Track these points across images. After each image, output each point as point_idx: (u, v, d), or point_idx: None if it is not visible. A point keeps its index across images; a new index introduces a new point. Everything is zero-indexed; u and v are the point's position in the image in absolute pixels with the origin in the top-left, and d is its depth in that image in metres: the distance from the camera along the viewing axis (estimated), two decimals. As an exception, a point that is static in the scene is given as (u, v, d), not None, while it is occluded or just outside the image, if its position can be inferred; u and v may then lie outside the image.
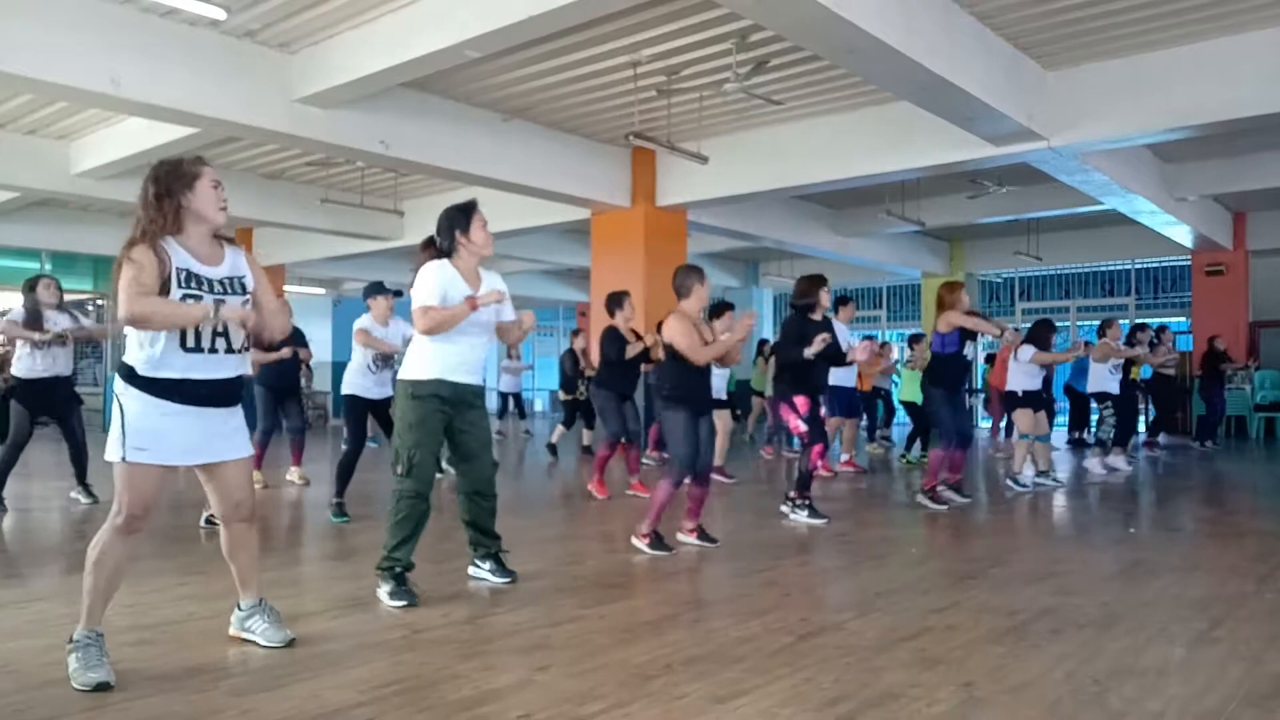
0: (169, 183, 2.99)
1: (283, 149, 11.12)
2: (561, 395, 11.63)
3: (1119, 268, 17.64)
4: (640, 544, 5.07)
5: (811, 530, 5.86)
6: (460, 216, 4.09)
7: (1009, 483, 7.95)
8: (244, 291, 3.09)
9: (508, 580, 4.27)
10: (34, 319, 6.37)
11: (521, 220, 12.91)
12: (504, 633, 3.54)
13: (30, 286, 6.52)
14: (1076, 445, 12.48)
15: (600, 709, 2.66)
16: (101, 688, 2.79)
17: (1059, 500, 7.55)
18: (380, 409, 6.35)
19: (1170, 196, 12.40)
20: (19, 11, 6.84)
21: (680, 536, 5.29)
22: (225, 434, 3.09)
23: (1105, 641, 3.35)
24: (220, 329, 3.00)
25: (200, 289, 2.96)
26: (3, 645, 3.26)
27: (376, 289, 6.57)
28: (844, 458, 9.56)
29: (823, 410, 6.34)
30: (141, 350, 2.94)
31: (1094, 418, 10.98)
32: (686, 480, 5.05)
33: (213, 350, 3.00)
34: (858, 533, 5.91)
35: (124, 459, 2.90)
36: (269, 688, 2.83)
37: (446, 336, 3.96)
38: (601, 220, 12.14)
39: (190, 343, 2.95)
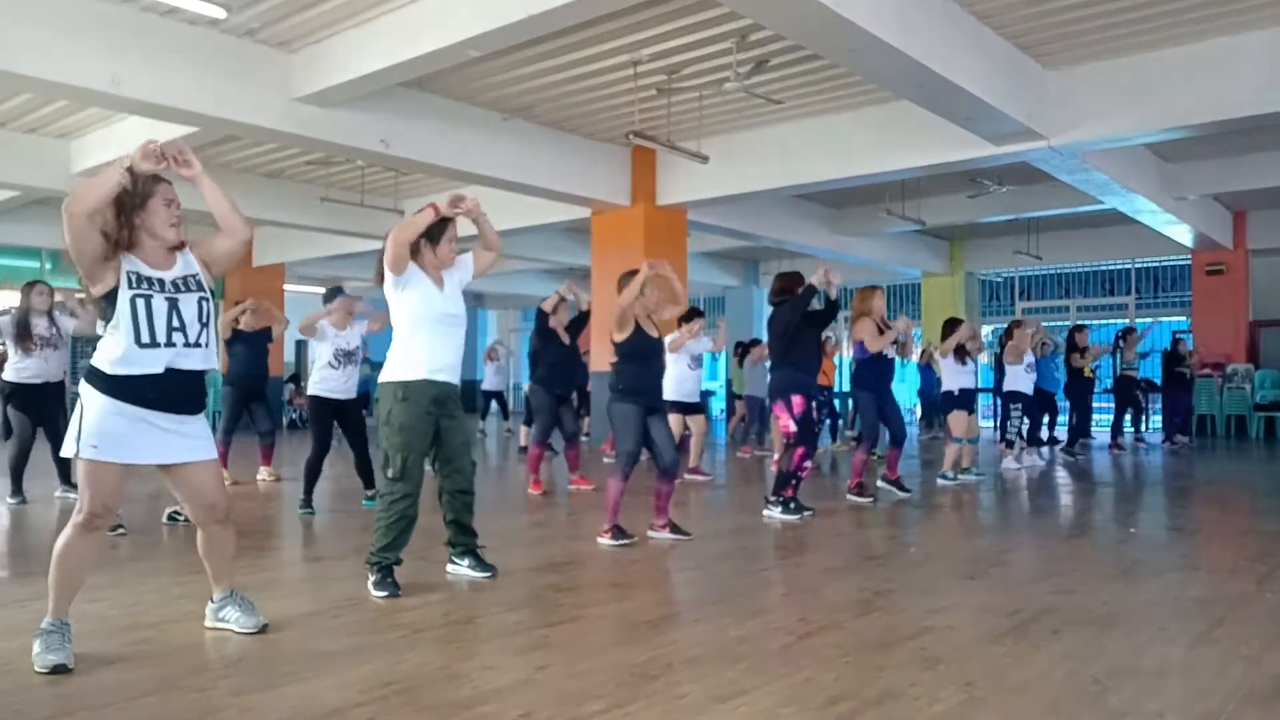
0: (123, 201, 3.07)
1: (282, 148, 11.12)
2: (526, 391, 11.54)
3: (1119, 267, 17.63)
4: (604, 540, 5.19)
5: (810, 529, 5.86)
6: (434, 225, 4.03)
7: (939, 479, 8.13)
8: (200, 289, 3.18)
9: (489, 575, 4.29)
10: (22, 326, 6.46)
11: (521, 220, 12.91)
12: (504, 633, 3.54)
13: (27, 290, 6.61)
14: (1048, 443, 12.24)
15: (600, 709, 2.66)
16: (59, 670, 2.91)
17: (1059, 500, 7.55)
18: (347, 410, 6.38)
19: (1170, 196, 12.40)
20: (19, 11, 6.84)
21: (651, 534, 5.38)
22: (182, 436, 3.16)
23: (1105, 641, 3.35)
24: (176, 323, 3.07)
25: (151, 288, 3.06)
26: (3, 645, 3.27)
27: (337, 293, 6.61)
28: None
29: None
30: (108, 354, 3.04)
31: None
32: (654, 476, 5.24)
33: (169, 344, 3.06)
34: (857, 533, 5.91)
35: (78, 455, 3.01)
36: (269, 688, 2.83)
37: (425, 336, 4.02)
38: (601, 219, 12.14)
39: (145, 339, 3.03)
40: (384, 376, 4.09)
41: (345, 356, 6.37)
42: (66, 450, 3.04)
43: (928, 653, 3.20)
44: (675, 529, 5.39)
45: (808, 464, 6.20)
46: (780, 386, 6.20)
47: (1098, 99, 8.55)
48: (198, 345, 3.14)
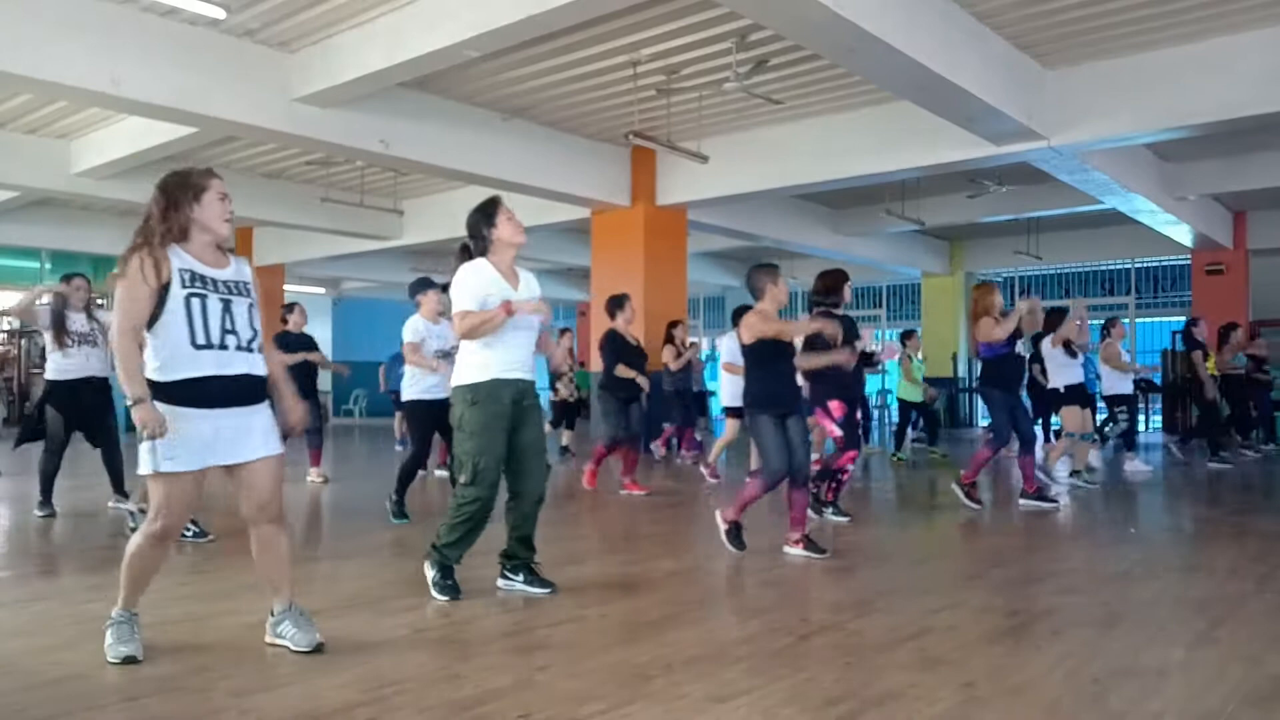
0: (176, 194, 3.04)
1: (282, 148, 11.12)
2: (551, 396, 11.36)
3: (1119, 267, 17.64)
4: (795, 550, 4.95)
5: (810, 531, 5.84)
6: (483, 215, 4.10)
7: (1043, 479, 7.64)
8: (249, 295, 3.14)
9: (548, 591, 4.09)
10: (58, 320, 6.17)
11: (521, 220, 12.87)
12: (504, 633, 3.54)
13: (65, 283, 6.30)
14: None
15: (600, 709, 2.66)
16: (129, 660, 2.99)
17: (1063, 500, 7.54)
18: (441, 410, 6.09)
19: (1170, 196, 12.40)
20: (19, 11, 6.84)
21: (786, 549, 5.03)
22: (251, 432, 3.08)
23: (1105, 641, 3.35)
24: (229, 325, 3.04)
25: (206, 288, 3.01)
26: (3, 645, 3.27)
27: (425, 284, 6.29)
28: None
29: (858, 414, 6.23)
30: (155, 359, 2.99)
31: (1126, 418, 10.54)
32: (783, 485, 4.93)
33: (223, 347, 3.02)
34: (858, 533, 5.91)
35: (157, 470, 2.94)
36: (269, 688, 2.83)
37: (493, 338, 3.92)
38: (601, 219, 12.14)
39: (200, 339, 2.98)
40: (455, 380, 4.01)
41: (443, 356, 5.92)
42: (142, 469, 2.95)
43: (928, 653, 3.20)
44: (810, 545, 4.98)
45: (849, 468, 6.02)
46: (818, 395, 5.97)
47: (1098, 99, 8.55)
48: (249, 350, 3.08)
